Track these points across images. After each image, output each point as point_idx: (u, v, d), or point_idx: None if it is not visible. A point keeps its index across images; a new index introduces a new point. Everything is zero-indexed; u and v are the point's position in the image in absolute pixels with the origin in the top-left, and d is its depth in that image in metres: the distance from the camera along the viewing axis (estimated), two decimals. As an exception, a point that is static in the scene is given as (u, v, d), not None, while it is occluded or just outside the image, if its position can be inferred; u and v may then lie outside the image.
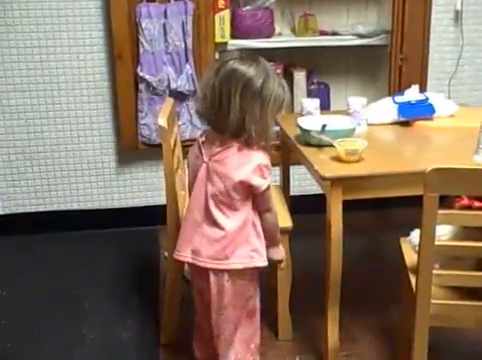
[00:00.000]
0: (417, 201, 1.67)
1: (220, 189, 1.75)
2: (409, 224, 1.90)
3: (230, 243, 1.77)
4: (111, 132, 3.10)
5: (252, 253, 1.80)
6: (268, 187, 1.78)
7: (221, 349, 1.88)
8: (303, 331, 2.31)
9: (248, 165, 1.73)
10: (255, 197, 1.79)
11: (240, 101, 1.70)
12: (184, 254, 1.83)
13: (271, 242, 1.88)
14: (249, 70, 1.71)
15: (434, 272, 1.67)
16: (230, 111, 1.70)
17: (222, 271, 1.78)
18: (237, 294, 1.82)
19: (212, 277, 1.79)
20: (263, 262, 1.83)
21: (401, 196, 2.03)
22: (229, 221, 1.76)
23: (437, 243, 1.66)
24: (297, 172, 2.57)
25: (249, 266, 1.80)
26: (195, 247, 1.80)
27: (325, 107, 2.93)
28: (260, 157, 1.76)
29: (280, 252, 1.93)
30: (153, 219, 2.77)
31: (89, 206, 3.18)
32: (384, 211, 3.12)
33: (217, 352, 1.89)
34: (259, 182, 1.75)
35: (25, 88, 2.98)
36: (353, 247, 2.15)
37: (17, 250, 3.02)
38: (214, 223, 1.77)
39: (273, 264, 1.93)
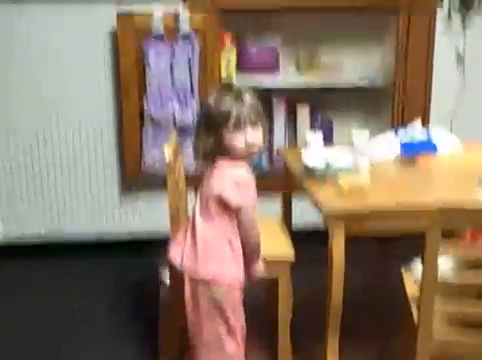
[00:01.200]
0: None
1: (202, 201, 1.87)
2: (411, 254, 1.91)
3: (203, 253, 1.84)
4: (116, 164, 3.14)
5: (224, 267, 1.86)
6: (248, 204, 1.83)
7: None
8: (303, 360, 2.29)
9: (226, 180, 1.81)
10: (236, 215, 1.84)
11: (203, 124, 1.85)
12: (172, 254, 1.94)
13: (254, 259, 1.94)
14: (209, 99, 1.85)
15: (436, 307, 1.67)
16: (201, 138, 1.85)
17: (197, 280, 1.85)
18: (213, 307, 1.86)
19: (187, 284, 1.87)
20: (233, 279, 1.87)
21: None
22: (206, 232, 1.85)
23: (439, 277, 1.66)
24: (299, 204, 2.59)
25: (217, 280, 1.84)
26: (183, 252, 1.90)
27: (328, 141, 2.96)
28: (240, 172, 1.82)
29: (261, 268, 1.98)
30: (155, 249, 2.78)
31: (92, 235, 3.20)
32: (386, 241, 3.11)
33: None
34: (232, 197, 1.80)
35: (32, 123, 3.04)
36: (355, 277, 2.14)
37: (16, 275, 3.02)
38: (195, 233, 1.87)
39: (256, 280, 1.99)
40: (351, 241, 1.98)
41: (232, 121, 1.79)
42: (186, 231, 1.93)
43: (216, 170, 1.85)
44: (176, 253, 1.93)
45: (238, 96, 1.82)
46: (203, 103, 1.95)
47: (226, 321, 1.88)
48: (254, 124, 1.82)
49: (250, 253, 1.92)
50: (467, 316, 1.70)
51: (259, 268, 1.97)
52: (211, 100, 1.85)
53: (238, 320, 1.91)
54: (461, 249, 1.72)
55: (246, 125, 1.80)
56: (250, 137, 1.81)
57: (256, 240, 1.91)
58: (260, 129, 1.86)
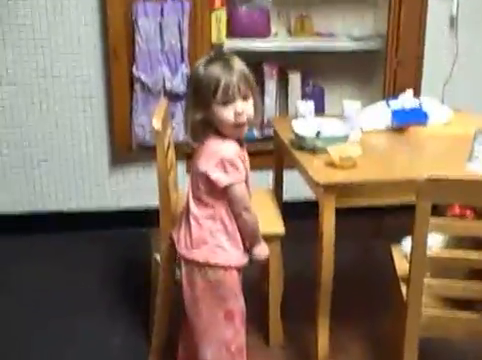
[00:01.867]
0: (409, 207, 1.67)
1: (193, 180, 1.82)
2: (402, 231, 1.91)
3: (196, 234, 1.80)
4: (105, 131, 3.08)
5: (216, 249, 1.80)
6: (235, 184, 1.74)
7: (199, 345, 1.88)
8: (294, 338, 2.31)
9: (212, 158, 1.74)
10: (225, 194, 1.76)
11: (190, 97, 1.76)
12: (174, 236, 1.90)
13: (253, 241, 1.86)
14: (197, 67, 1.75)
15: (425, 281, 1.69)
16: (188, 113, 1.76)
17: (191, 262, 1.81)
18: (210, 291, 1.81)
19: (183, 266, 1.84)
20: (227, 262, 1.80)
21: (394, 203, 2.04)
22: (198, 212, 1.80)
23: (428, 254, 1.67)
24: (290, 176, 2.57)
25: (210, 261, 1.79)
26: (179, 234, 1.87)
27: (319, 110, 2.93)
28: (227, 150, 1.73)
29: (263, 249, 1.89)
30: (146, 221, 2.76)
31: (81, 206, 3.17)
32: (377, 218, 3.12)
33: (197, 349, 1.89)
34: (218, 176, 1.73)
35: (19, 84, 2.96)
36: (345, 254, 2.15)
37: (5, 250, 2.98)
38: (189, 213, 1.82)
39: (259, 263, 1.93)
40: (342, 218, 1.98)
41: (220, 92, 1.68)
42: (182, 212, 1.89)
43: (203, 147, 1.77)
44: (175, 235, 1.89)
45: (227, 64, 1.71)
46: (191, 72, 1.82)
47: (223, 305, 1.83)
48: (245, 96, 1.72)
49: (247, 236, 1.84)
50: (456, 291, 1.71)
51: (260, 251, 1.88)
52: (199, 69, 1.73)
53: (236, 304, 1.86)
54: (450, 225, 1.71)
55: (235, 97, 1.70)
56: (240, 109, 1.71)
57: (251, 222, 1.82)
58: (251, 101, 1.75)
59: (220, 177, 1.72)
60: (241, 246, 1.84)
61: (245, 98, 1.73)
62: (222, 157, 1.72)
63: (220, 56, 1.77)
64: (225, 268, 1.80)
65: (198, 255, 1.80)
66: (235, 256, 1.82)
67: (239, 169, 1.74)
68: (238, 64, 1.74)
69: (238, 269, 1.84)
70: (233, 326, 1.86)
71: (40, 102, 3.00)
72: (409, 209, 1.69)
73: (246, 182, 1.81)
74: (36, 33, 2.91)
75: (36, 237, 3.06)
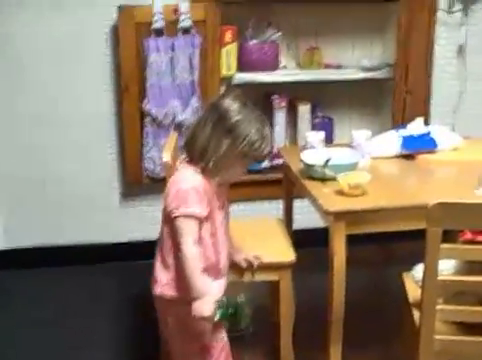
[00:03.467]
0: (420, 234, 1.67)
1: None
2: (412, 258, 1.90)
3: (157, 265, 1.80)
4: (116, 165, 3.12)
5: (169, 281, 1.75)
6: (180, 217, 1.67)
7: None
8: (305, 364, 2.29)
9: (173, 187, 1.73)
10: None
11: (211, 129, 1.71)
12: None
13: (190, 290, 1.67)
14: (232, 104, 1.72)
15: (438, 307, 1.67)
16: (199, 137, 1.72)
17: (159, 297, 1.80)
18: (182, 324, 1.76)
19: (155, 302, 1.83)
20: (183, 295, 1.70)
21: (404, 230, 2.03)
22: (161, 240, 1.81)
23: (440, 278, 1.66)
24: (300, 205, 2.58)
25: (159, 295, 1.78)
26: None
27: (329, 140, 2.95)
28: (189, 182, 1.70)
29: (200, 308, 1.65)
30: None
31: (92, 239, 3.18)
32: (387, 244, 3.11)
33: None
34: (169, 203, 1.71)
35: (33, 120, 3.01)
36: (356, 281, 2.13)
37: (19, 284, 3.01)
38: (160, 245, 1.82)
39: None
40: (353, 245, 1.97)
41: (250, 146, 1.71)
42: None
43: (177, 171, 1.79)
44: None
45: (264, 123, 1.74)
46: (223, 103, 1.74)
47: (196, 339, 1.76)
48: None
49: (185, 279, 1.68)
50: (469, 317, 1.69)
51: (196, 309, 1.65)
52: (235, 108, 1.71)
53: (213, 338, 1.78)
54: (461, 250, 1.70)
55: (256, 158, 1.77)
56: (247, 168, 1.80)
57: (186, 263, 1.66)
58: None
59: (170, 205, 1.71)
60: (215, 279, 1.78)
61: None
62: (179, 188, 1.70)
63: (252, 109, 1.76)
64: (185, 300, 1.70)
65: (156, 288, 1.78)
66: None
67: (189, 203, 1.68)
68: (268, 126, 1.78)
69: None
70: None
71: (51, 136, 3.04)
72: (420, 234, 1.68)
73: (207, 218, 1.73)
74: (49, 68, 2.97)
75: (47, 270, 3.08)
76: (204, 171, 1.73)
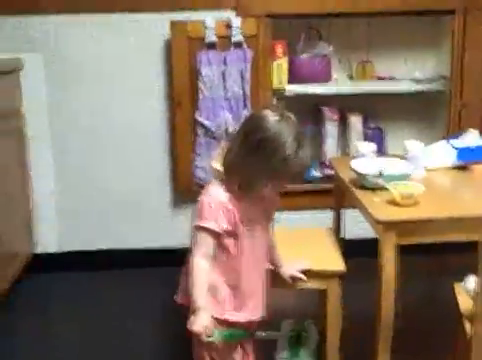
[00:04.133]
0: (472, 246, 1.63)
1: None
2: (464, 269, 1.86)
3: (182, 272, 1.80)
4: (168, 174, 3.17)
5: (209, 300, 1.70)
6: (195, 228, 1.65)
7: None
8: (353, 376, 2.25)
9: (200, 198, 1.69)
10: (219, 244, 1.68)
11: (241, 142, 1.63)
12: None
13: (192, 300, 1.66)
14: (268, 117, 1.60)
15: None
16: (230, 150, 1.66)
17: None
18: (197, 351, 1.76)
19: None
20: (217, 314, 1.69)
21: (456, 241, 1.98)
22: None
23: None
24: (350, 215, 2.56)
25: (180, 303, 1.79)
26: None
27: (380, 151, 2.90)
28: (210, 196, 1.66)
29: (196, 322, 1.62)
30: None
31: (145, 245, 3.24)
32: (439, 256, 3.04)
33: None
34: (194, 216, 1.68)
35: (88, 131, 3.11)
36: (406, 292, 2.10)
37: (72, 287, 3.09)
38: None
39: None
40: (403, 256, 1.93)
41: (278, 165, 1.60)
42: None
43: (206, 187, 1.74)
44: None
45: (298, 143, 1.61)
46: (258, 117, 1.64)
47: (206, 350, 1.73)
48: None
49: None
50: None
51: (193, 321, 1.63)
52: (270, 126, 1.59)
53: (223, 355, 1.75)
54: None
55: (285, 178, 1.67)
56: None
57: (192, 274, 1.66)
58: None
59: (195, 217, 1.68)
60: (231, 301, 1.72)
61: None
62: (200, 201, 1.67)
63: (291, 124, 1.63)
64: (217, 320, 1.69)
65: (185, 298, 1.75)
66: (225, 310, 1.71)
67: (204, 216, 1.64)
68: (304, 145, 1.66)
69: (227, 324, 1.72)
70: None
71: (106, 147, 3.13)
72: (472, 246, 1.64)
73: (232, 235, 1.68)
74: (103, 81, 3.06)
75: (101, 274, 3.15)
76: (231, 186, 1.65)
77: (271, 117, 1.61)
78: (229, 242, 1.68)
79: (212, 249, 1.66)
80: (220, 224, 1.64)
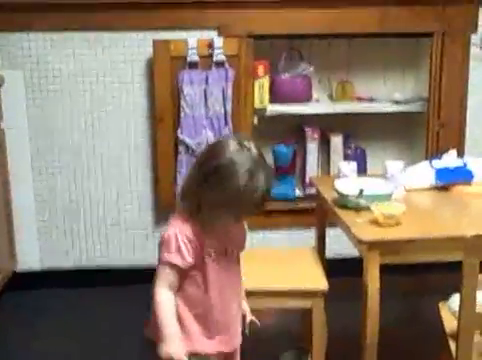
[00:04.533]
0: (456, 265, 1.65)
1: None
2: (447, 289, 1.89)
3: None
4: (150, 191, 3.17)
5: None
6: (164, 262, 1.61)
7: None
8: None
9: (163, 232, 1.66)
10: (182, 276, 1.65)
11: (196, 171, 1.59)
12: None
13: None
14: (228, 146, 1.55)
15: (475, 340, 1.64)
16: (186, 178, 1.64)
17: None
18: None
19: None
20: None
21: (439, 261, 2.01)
22: None
23: (478, 311, 1.63)
24: (333, 234, 2.58)
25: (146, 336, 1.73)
26: None
27: (362, 171, 2.94)
28: (171, 229, 1.62)
29: (163, 349, 1.60)
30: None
31: (127, 263, 3.23)
32: (422, 275, 3.07)
33: None
34: (159, 248, 1.64)
35: (70, 149, 3.09)
36: (390, 311, 2.11)
37: (54, 304, 3.07)
38: None
39: None
40: (386, 275, 1.95)
41: (232, 196, 1.52)
42: None
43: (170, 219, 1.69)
44: None
45: (255, 172, 1.53)
46: (215, 145, 1.62)
47: None
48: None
49: None
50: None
51: (160, 349, 1.60)
52: (226, 153, 1.54)
53: None
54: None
55: (242, 210, 1.58)
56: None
57: (157, 314, 1.61)
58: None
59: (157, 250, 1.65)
60: (200, 333, 1.68)
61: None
62: (163, 234, 1.63)
63: (252, 153, 1.56)
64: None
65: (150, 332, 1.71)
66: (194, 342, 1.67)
67: (168, 250, 1.60)
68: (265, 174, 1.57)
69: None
70: None
71: (87, 163, 3.11)
72: (455, 265, 1.67)
73: (197, 268, 1.64)
74: (85, 99, 3.05)
75: (82, 291, 3.14)
76: (191, 217, 1.61)
77: (230, 146, 1.55)
78: (196, 274, 1.65)
79: (176, 282, 1.63)
80: (185, 258, 1.60)
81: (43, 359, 2.60)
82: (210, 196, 1.55)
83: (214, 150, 1.59)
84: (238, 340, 1.77)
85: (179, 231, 1.60)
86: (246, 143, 1.56)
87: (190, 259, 1.61)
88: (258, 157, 1.55)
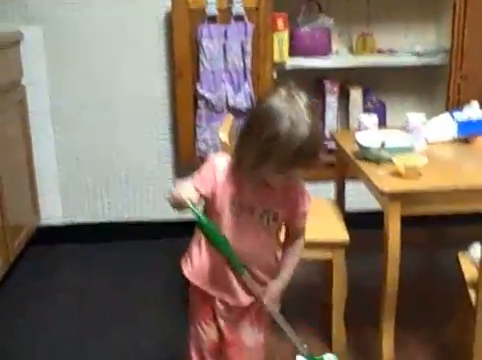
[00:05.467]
0: (474, 219, 1.67)
1: None
2: (467, 241, 1.90)
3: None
4: (170, 146, 3.19)
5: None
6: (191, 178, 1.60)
7: None
8: (357, 345, 2.30)
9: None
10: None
11: (248, 115, 1.57)
12: None
13: None
14: (276, 94, 1.50)
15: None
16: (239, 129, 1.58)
17: None
18: None
19: None
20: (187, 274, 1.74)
21: (459, 214, 2.01)
22: None
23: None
24: (352, 188, 2.59)
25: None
26: None
27: (381, 124, 2.92)
28: (211, 159, 1.62)
29: (178, 188, 1.56)
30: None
31: (147, 216, 3.27)
32: (441, 229, 3.11)
33: None
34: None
35: (88, 103, 3.11)
36: (409, 263, 2.12)
37: (75, 258, 3.14)
38: None
39: None
40: (407, 228, 1.96)
41: (272, 144, 1.46)
42: None
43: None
44: None
45: (295, 128, 1.45)
46: (266, 103, 1.52)
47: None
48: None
49: None
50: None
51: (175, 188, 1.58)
52: (271, 101, 1.49)
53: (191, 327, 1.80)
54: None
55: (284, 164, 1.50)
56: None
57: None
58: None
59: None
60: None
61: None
62: (209, 158, 1.64)
63: (300, 102, 1.49)
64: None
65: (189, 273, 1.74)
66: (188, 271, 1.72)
67: (201, 174, 1.60)
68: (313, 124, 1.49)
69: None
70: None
71: (107, 118, 3.13)
72: (474, 218, 1.68)
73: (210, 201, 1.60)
74: (104, 53, 3.05)
75: (103, 245, 3.20)
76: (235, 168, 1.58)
77: (277, 94, 1.50)
78: (214, 217, 1.60)
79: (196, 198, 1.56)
80: (202, 186, 1.57)
81: (64, 311, 2.67)
82: (250, 141, 1.50)
83: (264, 98, 1.55)
84: (245, 299, 1.70)
85: (213, 164, 1.59)
86: (295, 93, 1.50)
87: (206, 191, 1.58)
88: (306, 109, 1.47)
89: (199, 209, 1.53)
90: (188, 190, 1.53)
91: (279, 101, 1.48)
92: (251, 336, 1.76)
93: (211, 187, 1.59)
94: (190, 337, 1.81)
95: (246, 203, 1.60)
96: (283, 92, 1.50)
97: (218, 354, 1.80)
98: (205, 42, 2.94)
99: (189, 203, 1.49)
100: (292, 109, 1.46)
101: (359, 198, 2.85)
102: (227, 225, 1.61)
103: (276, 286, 1.68)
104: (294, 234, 1.71)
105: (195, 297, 1.76)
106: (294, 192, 1.64)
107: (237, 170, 1.58)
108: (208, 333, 1.77)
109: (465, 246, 2.01)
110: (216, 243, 1.55)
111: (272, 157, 1.47)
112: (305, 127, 1.45)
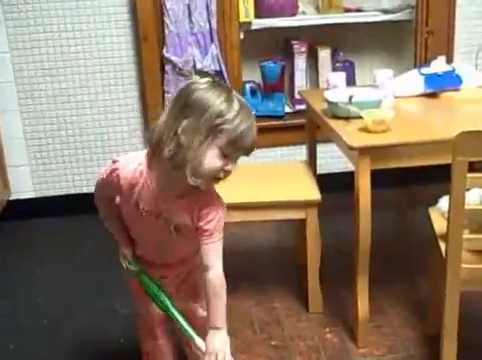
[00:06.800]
0: (443, 177, 1.68)
1: None
2: (435, 198, 1.92)
3: None
4: (138, 113, 3.14)
5: None
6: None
7: None
8: (333, 304, 2.33)
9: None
10: None
11: (169, 110, 1.46)
12: None
13: None
14: (196, 81, 1.46)
15: (464, 237, 1.68)
16: (158, 125, 1.47)
17: None
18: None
19: None
20: None
21: (428, 171, 2.02)
22: None
23: (467, 207, 1.66)
24: (323, 150, 2.59)
25: None
26: None
27: (351, 83, 2.92)
28: (126, 155, 1.61)
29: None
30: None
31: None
32: (413, 188, 3.14)
33: None
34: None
35: (53, 72, 3.03)
36: (381, 222, 2.13)
37: (48, 232, 3.10)
38: None
39: None
40: (376, 188, 1.97)
41: (229, 141, 1.42)
42: None
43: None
44: None
45: (249, 115, 1.44)
46: (186, 84, 1.48)
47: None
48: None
49: None
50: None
51: None
52: (199, 87, 1.42)
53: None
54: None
55: (238, 156, 1.47)
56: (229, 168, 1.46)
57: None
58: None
59: None
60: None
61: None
62: (118, 160, 1.59)
63: (223, 86, 1.47)
64: None
65: None
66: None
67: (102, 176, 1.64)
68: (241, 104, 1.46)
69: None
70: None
71: (74, 88, 3.06)
72: (443, 177, 1.70)
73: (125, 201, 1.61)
74: (67, 23, 2.97)
75: (74, 218, 3.13)
76: (156, 160, 1.49)
77: (201, 80, 1.46)
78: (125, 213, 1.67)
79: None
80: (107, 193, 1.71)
81: (40, 284, 2.64)
82: (188, 124, 1.41)
83: (183, 88, 1.47)
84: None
85: (127, 160, 1.57)
86: (216, 81, 1.48)
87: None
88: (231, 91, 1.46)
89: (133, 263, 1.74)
90: (122, 248, 1.76)
91: (207, 86, 1.43)
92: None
93: (116, 194, 1.65)
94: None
95: (152, 209, 1.56)
96: (206, 79, 1.46)
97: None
98: (169, 3, 2.88)
99: (124, 265, 1.76)
100: (222, 89, 1.43)
101: (330, 160, 2.87)
102: (131, 220, 1.66)
103: (216, 343, 1.53)
104: (203, 261, 1.55)
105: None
106: (205, 207, 1.53)
107: (156, 168, 1.51)
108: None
109: (436, 203, 2.03)
110: (152, 295, 1.71)
111: (222, 136, 1.41)
112: (239, 113, 1.42)
